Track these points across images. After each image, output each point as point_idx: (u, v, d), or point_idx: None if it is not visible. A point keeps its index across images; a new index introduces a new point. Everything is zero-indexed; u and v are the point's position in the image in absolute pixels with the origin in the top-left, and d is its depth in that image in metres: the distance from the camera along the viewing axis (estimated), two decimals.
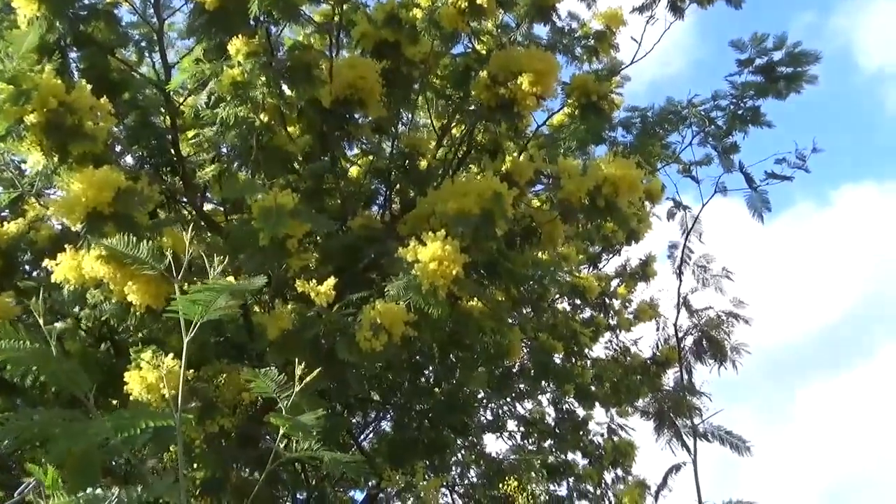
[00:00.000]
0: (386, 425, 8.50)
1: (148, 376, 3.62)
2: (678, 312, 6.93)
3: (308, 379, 2.51)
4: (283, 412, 2.53)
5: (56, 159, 3.80)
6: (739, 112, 6.47)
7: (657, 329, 8.03)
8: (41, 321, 2.44)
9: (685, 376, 6.84)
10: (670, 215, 7.32)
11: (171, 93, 5.14)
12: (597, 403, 8.65)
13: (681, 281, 7.04)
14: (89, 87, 3.92)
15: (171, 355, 3.68)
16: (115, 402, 4.27)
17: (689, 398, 6.75)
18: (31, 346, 2.36)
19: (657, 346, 8.05)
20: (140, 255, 2.71)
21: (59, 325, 2.47)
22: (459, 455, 8.24)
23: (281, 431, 2.45)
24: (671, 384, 7.60)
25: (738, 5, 5.64)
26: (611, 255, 9.32)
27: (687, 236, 7.04)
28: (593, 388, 8.58)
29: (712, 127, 6.49)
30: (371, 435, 8.69)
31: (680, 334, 6.95)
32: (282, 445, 2.51)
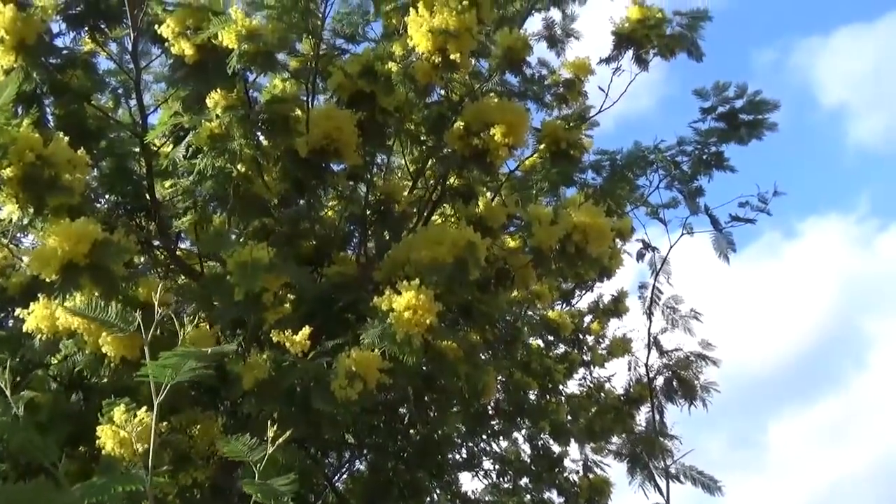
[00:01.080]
0: (360, 465, 8.44)
1: (120, 431, 3.60)
2: (649, 352, 7.07)
3: (282, 439, 2.55)
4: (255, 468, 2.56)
5: (32, 211, 3.81)
6: (704, 157, 6.71)
7: (629, 368, 8.16)
8: (7, 392, 2.45)
9: (657, 417, 6.95)
10: (639, 256, 7.51)
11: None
12: (572, 440, 8.72)
13: (651, 321, 7.20)
14: (66, 138, 3.96)
15: (144, 408, 3.69)
16: (86, 452, 4.23)
17: (661, 440, 6.85)
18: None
19: (629, 385, 8.16)
20: (108, 318, 2.75)
21: (25, 393, 2.47)
22: (435, 495, 8.21)
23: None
24: (643, 423, 7.70)
25: (700, 59, 5.89)
26: (583, 292, 9.46)
27: (656, 277, 7.22)
28: (568, 424, 8.66)
29: (678, 171, 6.71)
30: (345, 475, 8.62)
31: (651, 374, 7.08)
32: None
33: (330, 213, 6.48)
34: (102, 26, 4.85)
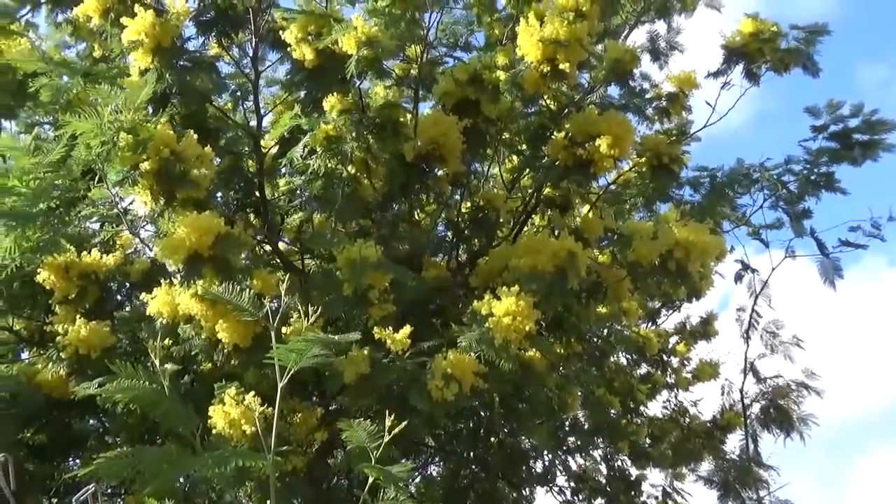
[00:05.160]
0: (433, 470, 8.49)
1: (232, 412, 3.80)
2: (745, 378, 6.78)
3: (397, 429, 2.63)
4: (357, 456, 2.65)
5: (162, 203, 4.07)
6: (813, 177, 6.43)
7: (722, 393, 7.83)
8: (157, 362, 2.64)
9: (751, 445, 6.65)
10: (738, 278, 7.23)
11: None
12: (651, 464, 8.47)
13: (748, 345, 6.90)
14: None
15: (252, 393, 3.88)
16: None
17: (755, 470, 6.55)
18: (147, 386, 2.56)
19: (722, 411, 7.84)
20: (242, 303, 2.90)
21: (169, 366, 2.65)
22: None
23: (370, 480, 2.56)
24: (734, 451, 7.37)
25: (816, 74, 5.66)
26: (670, 312, 9.20)
27: (755, 300, 6.93)
28: (648, 447, 8.41)
29: (784, 191, 6.44)
30: (418, 479, 8.69)
31: (746, 401, 6.79)
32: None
33: (425, 218, 6.61)
34: (229, 32, 5.14)
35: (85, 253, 4.78)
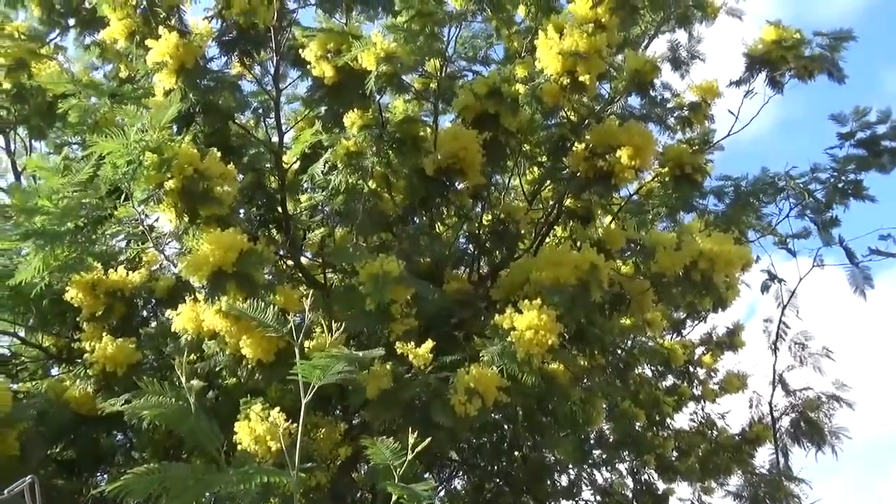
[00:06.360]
0: (457, 484, 8.43)
1: (257, 428, 3.81)
2: (773, 390, 6.63)
3: (422, 446, 2.62)
4: (379, 474, 2.64)
5: (187, 220, 4.13)
6: (840, 185, 6.32)
7: (750, 406, 7.68)
8: (183, 378, 2.67)
9: (782, 459, 6.50)
10: (764, 288, 7.11)
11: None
12: (678, 478, 8.32)
13: (776, 357, 6.76)
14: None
15: (276, 408, 3.89)
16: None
17: (786, 484, 6.39)
18: (173, 402, 2.59)
19: (750, 424, 7.68)
20: (265, 319, 2.92)
21: (195, 382, 2.66)
22: None
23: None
24: (764, 465, 7.21)
25: (841, 80, 5.57)
26: (695, 322, 9.07)
27: (783, 311, 6.80)
28: (675, 460, 8.27)
29: (811, 199, 6.34)
30: (442, 493, 8.63)
31: (776, 413, 6.64)
32: None
33: (445, 231, 6.61)
34: (250, 50, 5.21)
35: (111, 270, 4.86)
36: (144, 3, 5.02)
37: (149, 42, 4.64)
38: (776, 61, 5.53)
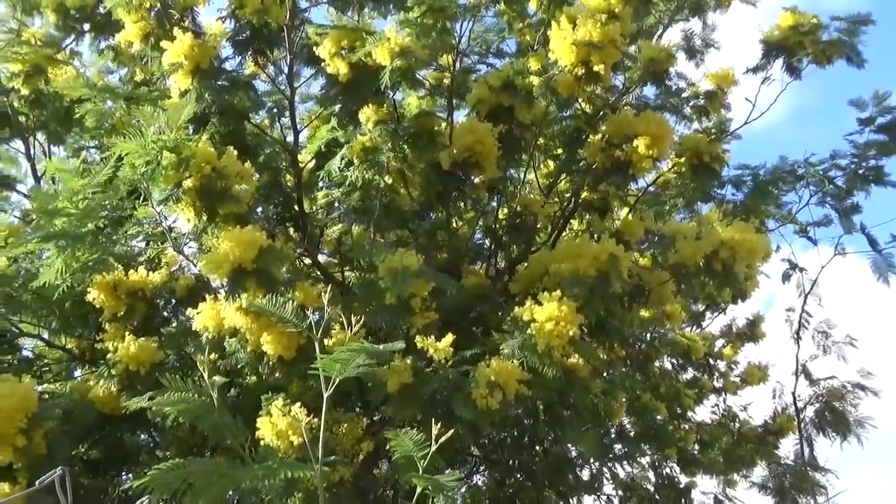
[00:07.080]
0: (479, 479, 8.42)
1: (279, 423, 3.83)
2: (797, 380, 6.54)
3: (443, 439, 2.61)
4: (402, 467, 2.63)
5: (205, 219, 4.15)
6: (861, 171, 6.22)
7: (773, 396, 7.59)
8: (205, 374, 2.68)
9: (807, 449, 6.41)
10: (785, 277, 7.02)
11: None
12: (701, 471, 8.25)
13: (799, 347, 6.67)
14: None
15: (297, 404, 3.90)
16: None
17: (812, 475, 6.31)
18: (196, 399, 2.60)
19: (773, 415, 7.59)
20: (285, 315, 2.92)
21: (217, 378, 2.68)
22: None
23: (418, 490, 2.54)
24: (789, 456, 7.12)
25: (861, 65, 5.48)
26: (715, 314, 8.99)
27: (805, 300, 6.71)
28: (697, 453, 8.21)
29: (831, 187, 6.25)
30: (463, 490, 8.62)
31: (799, 404, 6.55)
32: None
33: (462, 225, 6.60)
34: (264, 50, 5.23)
35: (132, 271, 4.90)
36: (159, 5, 5.06)
37: (163, 44, 4.67)
38: (793, 47, 5.46)
